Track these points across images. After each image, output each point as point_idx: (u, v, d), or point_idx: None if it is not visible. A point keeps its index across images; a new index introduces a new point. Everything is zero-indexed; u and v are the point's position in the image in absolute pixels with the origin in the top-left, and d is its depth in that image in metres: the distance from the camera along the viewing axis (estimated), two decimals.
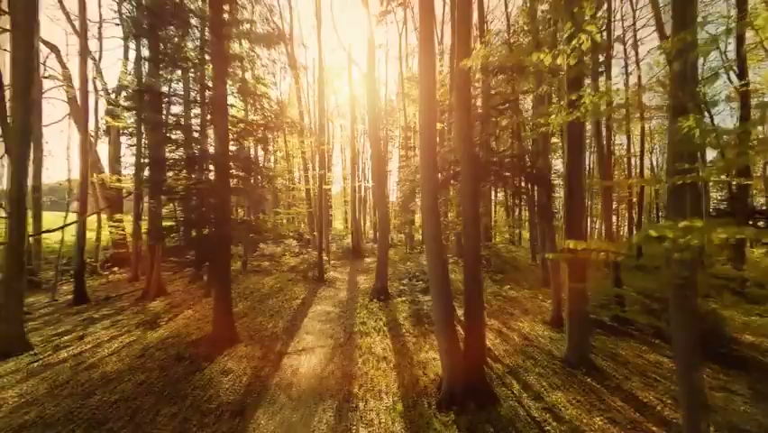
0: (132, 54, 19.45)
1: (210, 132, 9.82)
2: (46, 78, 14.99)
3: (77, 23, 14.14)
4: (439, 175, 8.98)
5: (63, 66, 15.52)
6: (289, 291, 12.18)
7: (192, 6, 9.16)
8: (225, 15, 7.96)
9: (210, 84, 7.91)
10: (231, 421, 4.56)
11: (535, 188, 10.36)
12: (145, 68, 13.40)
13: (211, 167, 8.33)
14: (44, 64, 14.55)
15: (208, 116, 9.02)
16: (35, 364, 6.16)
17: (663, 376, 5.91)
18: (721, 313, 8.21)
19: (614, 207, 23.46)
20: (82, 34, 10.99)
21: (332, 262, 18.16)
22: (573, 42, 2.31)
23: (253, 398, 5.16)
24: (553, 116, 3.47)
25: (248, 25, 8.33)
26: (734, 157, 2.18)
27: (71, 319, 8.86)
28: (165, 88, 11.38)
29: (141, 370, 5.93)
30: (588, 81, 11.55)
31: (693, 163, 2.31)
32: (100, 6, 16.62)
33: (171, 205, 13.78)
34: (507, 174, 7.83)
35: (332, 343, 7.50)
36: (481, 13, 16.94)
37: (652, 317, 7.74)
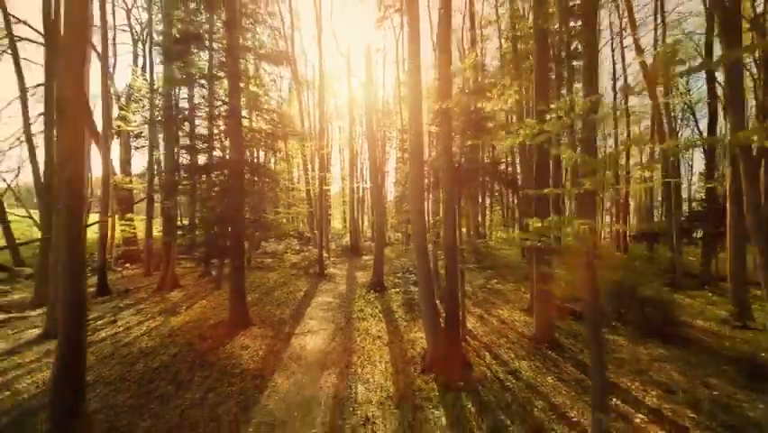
0: (140, 61, 20.50)
1: (221, 139, 10.86)
2: None
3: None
4: (431, 179, 10.10)
5: None
6: (293, 285, 13.22)
7: (206, 26, 10.23)
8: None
9: (225, 99, 8.94)
10: (253, 381, 5.63)
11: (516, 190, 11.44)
12: (156, 76, 14.43)
13: (225, 171, 9.37)
14: None
15: (221, 126, 10.01)
16: None
17: (613, 351, 6.99)
18: (676, 301, 9.34)
19: (608, 206, 24.94)
20: (103, 57, 11.95)
21: (331, 259, 19.21)
22: (503, 97, 3.37)
23: (270, 366, 6.23)
24: (509, 140, 4.53)
25: (261, 48, 9.35)
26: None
27: (99, 308, 9.89)
28: (174, 92, 12.42)
29: (172, 345, 6.99)
30: (577, 85, 12.74)
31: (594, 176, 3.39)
32: (114, 13, 17.66)
33: (183, 206, 14.83)
34: (483, 179, 8.93)
35: (333, 326, 8.57)
36: (473, 23, 18.13)
37: (617, 305, 8.85)
